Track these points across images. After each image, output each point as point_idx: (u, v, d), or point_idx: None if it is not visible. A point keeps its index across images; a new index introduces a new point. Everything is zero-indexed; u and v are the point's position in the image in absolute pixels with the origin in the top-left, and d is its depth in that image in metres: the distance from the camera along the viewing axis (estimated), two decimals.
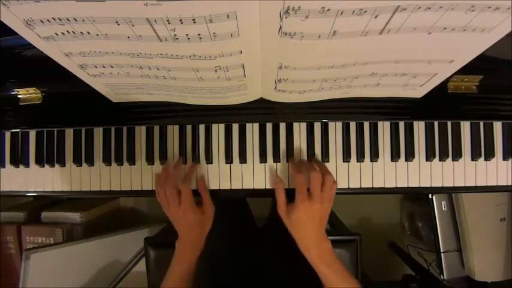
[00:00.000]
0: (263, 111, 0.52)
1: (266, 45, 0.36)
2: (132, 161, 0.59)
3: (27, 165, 0.61)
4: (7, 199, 0.95)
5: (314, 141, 0.57)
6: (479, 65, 0.40)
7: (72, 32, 0.33)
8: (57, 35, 0.34)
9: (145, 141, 0.59)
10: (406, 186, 0.57)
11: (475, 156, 0.56)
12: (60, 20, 0.31)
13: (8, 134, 0.62)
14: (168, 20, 0.30)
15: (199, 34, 0.32)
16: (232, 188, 0.58)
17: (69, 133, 0.60)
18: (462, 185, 0.57)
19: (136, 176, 0.59)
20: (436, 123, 0.57)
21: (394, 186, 0.57)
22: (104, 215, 1.14)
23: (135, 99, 0.52)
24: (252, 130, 0.58)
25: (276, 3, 0.28)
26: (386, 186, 0.57)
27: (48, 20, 0.31)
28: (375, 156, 0.57)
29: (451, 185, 0.57)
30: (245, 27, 0.32)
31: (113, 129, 0.60)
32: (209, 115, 0.53)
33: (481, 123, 0.57)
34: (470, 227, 0.88)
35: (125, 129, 0.59)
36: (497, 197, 0.88)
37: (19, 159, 0.61)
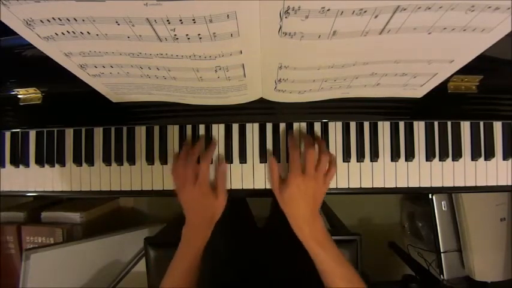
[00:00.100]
0: (263, 111, 0.52)
1: (266, 45, 0.36)
2: (132, 161, 0.59)
3: (27, 165, 0.61)
4: (7, 199, 0.95)
5: (314, 141, 0.57)
6: (479, 65, 0.40)
7: (72, 32, 0.33)
8: (57, 35, 0.34)
9: (145, 141, 0.59)
10: (406, 186, 0.57)
11: (475, 156, 0.56)
12: (60, 20, 0.31)
13: (8, 134, 0.62)
14: (168, 20, 0.30)
15: (199, 34, 0.32)
16: (232, 188, 0.58)
17: (69, 133, 0.60)
18: (462, 185, 0.57)
19: (136, 176, 0.59)
20: (436, 123, 0.57)
21: (394, 186, 0.57)
22: (104, 215, 1.14)
23: (135, 99, 0.52)
24: (252, 130, 0.58)
25: (276, 3, 0.28)
26: (386, 186, 0.57)
27: (48, 20, 0.31)
28: (375, 156, 0.56)
29: (451, 185, 0.57)
30: (245, 27, 0.32)
31: (113, 129, 0.60)
32: (209, 115, 0.53)
33: (481, 123, 0.57)
34: (470, 227, 0.88)
35: (124, 129, 0.59)
36: (497, 197, 0.88)
37: (19, 159, 0.61)
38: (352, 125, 0.57)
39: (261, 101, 0.51)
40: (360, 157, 0.57)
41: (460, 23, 0.31)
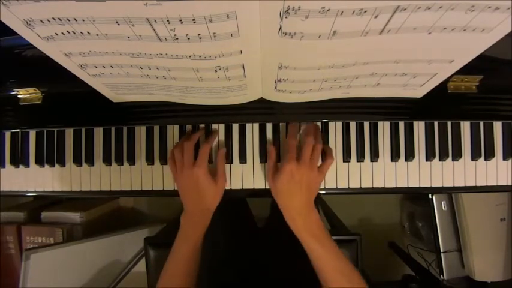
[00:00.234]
0: (263, 111, 0.52)
1: (266, 45, 0.36)
2: (132, 161, 0.59)
3: (27, 165, 0.61)
4: (7, 199, 0.95)
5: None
6: (479, 65, 0.40)
7: (72, 32, 0.33)
8: (57, 35, 0.34)
9: (145, 141, 0.59)
10: (406, 186, 0.57)
11: (475, 156, 0.56)
12: (60, 20, 0.31)
13: (8, 134, 0.62)
14: (168, 20, 0.30)
15: (199, 34, 0.32)
16: (232, 188, 0.57)
17: (69, 133, 0.60)
18: (462, 185, 0.57)
19: (136, 176, 0.59)
20: (436, 123, 0.57)
21: (394, 186, 0.57)
22: (104, 215, 1.14)
23: (135, 99, 0.52)
24: (252, 130, 0.58)
25: (276, 3, 0.28)
26: (386, 186, 0.57)
27: (48, 20, 0.31)
28: (375, 156, 0.57)
29: (451, 185, 0.57)
30: (245, 27, 0.32)
31: (113, 129, 0.60)
32: (209, 115, 0.53)
33: (481, 123, 0.57)
34: (470, 227, 0.88)
35: (124, 129, 0.59)
36: (497, 197, 0.88)
37: (19, 159, 0.61)
38: (352, 125, 0.57)
39: (261, 101, 0.51)
40: (360, 157, 0.57)
41: (460, 23, 0.31)
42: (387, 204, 1.34)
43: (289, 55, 0.37)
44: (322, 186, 0.56)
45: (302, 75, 0.42)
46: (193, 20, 0.30)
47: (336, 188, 0.57)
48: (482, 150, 0.56)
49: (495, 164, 0.57)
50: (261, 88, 0.47)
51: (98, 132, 0.60)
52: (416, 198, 1.21)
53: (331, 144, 0.57)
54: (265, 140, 0.58)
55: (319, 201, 1.00)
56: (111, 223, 1.14)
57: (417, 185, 0.57)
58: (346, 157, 0.57)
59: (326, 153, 0.54)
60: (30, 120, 0.57)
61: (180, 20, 0.30)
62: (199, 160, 0.51)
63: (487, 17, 0.30)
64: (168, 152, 0.58)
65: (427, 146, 0.57)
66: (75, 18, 0.31)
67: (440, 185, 0.57)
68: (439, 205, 0.94)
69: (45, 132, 0.61)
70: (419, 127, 0.57)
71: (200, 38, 0.33)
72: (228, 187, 0.57)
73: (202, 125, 0.58)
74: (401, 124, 0.57)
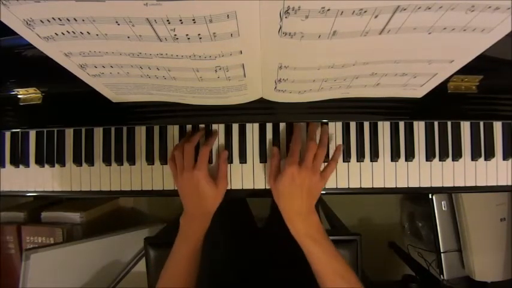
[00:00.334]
0: (263, 111, 0.52)
1: (266, 45, 0.36)
2: (132, 161, 0.59)
3: (27, 165, 0.61)
4: (7, 199, 0.95)
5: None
6: (479, 65, 0.40)
7: (72, 32, 0.33)
8: (57, 35, 0.34)
9: (145, 141, 0.59)
10: (406, 186, 0.57)
11: (475, 156, 0.56)
12: (60, 20, 0.31)
13: (8, 134, 0.62)
14: (168, 20, 0.30)
15: (199, 34, 0.32)
16: (232, 188, 0.57)
17: (69, 133, 0.60)
18: (462, 185, 0.57)
19: (136, 176, 0.59)
20: (436, 123, 0.57)
21: (394, 186, 0.57)
22: (104, 215, 1.14)
23: (135, 99, 0.52)
24: (252, 130, 0.58)
25: (276, 3, 0.28)
26: (386, 186, 0.57)
27: (48, 20, 0.31)
28: (375, 156, 0.57)
29: (451, 185, 0.57)
30: (245, 27, 0.32)
31: (113, 129, 0.60)
32: (209, 115, 0.53)
33: (481, 123, 0.57)
34: (470, 227, 0.88)
35: (124, 129, 0.59)
36: (497, 197, 0.88)
37: (19, 159, 0.61)
38: (352, 125, 0.57)
39: (261, 101, 0.51)
40: (360, 157, 0.57)
41: (460, 23, 0.31)
42: (387, 204, 1.34)
43: (289, 55, 0.37)
44: None
45: (302, 75, 0.42)
46: (193, 20, 0.30)
47: (336, 188, 0.57)
48: (482, 150, 0.56)
49: (495, 164, 0.57)
50: (261, 88, 0.47)
51: (98, 132, 0.60)
52: (416, 198, 1.21)
53: (332, 144, 0.57)
54: (265, 140, 0.58)
55: (320, 202, 1.00)
56: (111, 223, 1.14)
57: (417, 185, 0.57)
58: (346, 157, 0.57)
59: (332, 157, 0.54)
60: (30, 120, 0.57)
61: (180, 20, 0.30)
62: (199, 163, 0.51)
63: (487, 17, 0.30)
64: (169, 153, 0.58)
65: (427, 146, 0.57)
66: (75, 18, 0.31)
67: (440, 185, 0.57)
68: (439, 205, 0.94)
69: (45, 132, 0.61)
70: (419, 127, 0.57)
71: (200, 38, 0.33)
72: (228, 187, 0.57)
73: (202, 126, 0.58)
74: (401, 124, 0.57)
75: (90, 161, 0.59)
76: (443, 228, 0.95)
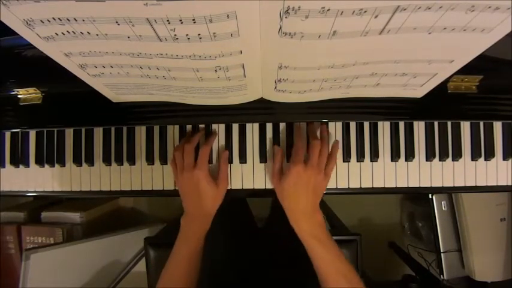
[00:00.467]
0: (263, 111, 0.52)
1: (266, 45, 0.36)
2: (132, 161, 0.59)
3: (27, 165, 0.61)
4: (7, 199, 0.95)
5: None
6: (479, 65, 0.40)
7: (72, 32, 0.33)
8: (57, 35, 0.34)
9: (145, 141, 0.59)
10: (406, 186, 0.57)
11: (475, 156, 0.56)
12: (60, 20, 0.31)
13: (8, 134, 0.62)
14: (168, 20, 0.30)
15: (199, 34, 0.32)
16: (232, 188, 0.57)
17: (69, 133, 0.60)
18: (462, 185, 0.57)
19: (136, 176, 0.59)
20: (436, 123, 0.57)
21: (394, 186, 0.57)
22: (104, 215, 1.14)
23: (135, 99, 0.52)
24: (252, 130, 0.58)
25: (276, 3, 0.28)
26: (386, 186, 0.57)
27: (48, 20, 0.31)
28: (375, 156, 0.57)
29: (451, 185, 0.57)
30: (245, 27, 0.32)
31: (113, 129, 0.60)
32: (209, 115, 0.53)
33: (481, 123, 0.57)
34: (470, 227, 0.88)
35: (124, 129, 0.59)
36: (497, 197, 0.88)
37: (19, 159, 0.61)
38: (352, 125, 0.57)
39: (261, 101, 0.51)
40: (360, 157, 0.57)
41: (460, 23, 0.31)
42: (387, 204, 1.34)
43: (289, 55, 0.37)
44: None
45: (302, 75, 0.42)
46: (193, 20, 0.30)
47: (336, 188, 0.57)
48: (482, 150, 0.56)
49: (495, 164, 0.57)
50: (261, 88, 0.47)
51: (98, 132, 0.60)
52: (416, 198, 1.21)
53: (331, 144, 0.57)
54: (265, 140, 0.58)
55: (320, 201, 1.00)
56: (111, 223, 1.14)
57: (417, 185, 0.57)
58: (346, 157, 0.57)
59: (330, 154, 0.54)
60: (30, 120, 0.57)
61: (180, 20, 0.30)
62: (200, 162, 0.51)
63: (487, 17, 0.30)
64: (169, 153, 0.58)
65: (427, 146, 0.57)
66: (75, 18, 0.31)
67: (440, 185, 0.57)
68: (439, 205, 0.94)
69: (45, 132, 0.61)
70: (419, 127, 0.57)
71: (200, 38, 0.33)
72: (228, 187, 0.57)
73: (202, 126, 0.58)
74: (401, 124, 0.57)
75: (90, 161, 0.59)
76: (443, 228, 0.95)
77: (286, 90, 0.46)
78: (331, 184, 0.56)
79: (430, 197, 0.95)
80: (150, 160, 0.58)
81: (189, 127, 0.59)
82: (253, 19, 0.31)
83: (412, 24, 0.31)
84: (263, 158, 0.57)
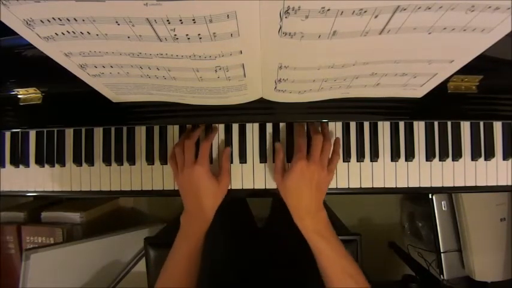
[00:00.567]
0: (263, 111, 0.52)
1: (266, 45, 0.36)
2: (132, 161, 0.59)
3: (27, 165, 0.61)
4: (7, 199, 0.95)
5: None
6: (479, 65, 0.40)
7: (72, 32, 0.33)
8: (57, 35, 0.34)
9: (145, 141, 0.59)
10: (406, 186, 0.57)
11: (475, 156, 0.56)
12: (60, 20, 0.31)
13: (8, 134, 0.62)
14: (168, 20, 0.30)
15: (199, 34, 0.32)
16: (232, 188, 0.57)
17: (69, 133, 0.60)
18: (462, 185, 0.57)
19: (136, 176, 0.59)
20: (436, 123, 0.57)
21: (394, 186, 0.57)
22: (104, 215, 1.14)
23: (135, 99, 0.52)
24: (252, 130, 0.58)
25: (276, 3, 0.28)
26: (386, 186, 0.57)
27: (48, 20, 0.31)
28: (375, 156, 0.57)
29: (451, 185, 0.57)
30: (245, 27, 0.32)
31: (113, 129, 0.60)
32: (209, 115, 0.53)
33: (481, 123, 0.57)
34: (470, 227, 0.88)
35: (124, 129, 0.59)
36: (497, 197, 0.88)
37: (19, 159, 0.61)
38: (352, 125, 0.57)
39: (261, 101, 0.51)
40: (360, 157, 0.57)
41: (460, 23, 0.31)
42: (387, 204, 1.34)
43: (289, 55, 0.37)
44: None
45: (302, 75, 0.42)
46: (193, 20, 0.30)
47: (336, 188, 0.57)
48: (482, 150, 0.56)
49: (495, 164, 0.57)
50: (261, 88, 0.47)
51: (98, 132, 0.60)
52: (416, 198, 1.21)
53: (332, 141, 0.57)
54: (265, 140, 0.58)
55: None
56: (111, 223, 1.14)
57: (417, 185, 0.57)
58: (346, 157, 0.57)
59: (333, 150, 0.54)
60: (30, 120, 0.57)
61: (180, 20, 0.30)
62: (201, 158, 0.50)
63: (487, 17, 0.30)
64: (169, 153, 0.58)
65: (427, 146, 0.57)
66: (75, 18, 0.31)
67: (440, 185, 0.57)
68: (439, 205, 0.94)
69: (45, 132, 0.61)
70: (419, 127, 0.57)
71: (200, 38, 0.33)
72: (227, 190, 0.57)
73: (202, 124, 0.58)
74: (401, 124, 0.57)
75: (90, 161, 0.59)
76: (443, 228, 0.95)
77: (286, 90, 0.46)
78: (331, 184, 0.56)
79: (430, 197, 0.95)
80: (150, 160, 0.58)
81: (188, 125, 0.59)
82: (253, 19, 0.31)
83: (412, 24, 0.31)
84: (263, 158, 0.57)
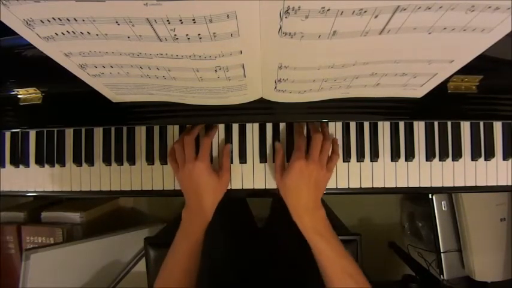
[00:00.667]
0: (263, 111, 0.52)
1: (266, 45, 0.36)
2: (132, 161, 0.59)
3: (27, 165, 0.61)
4: (7, 199, 0.95)
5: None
6: (479, 65, 0.40)
7: (72, 32, 0.33)
8: (57, 35, 0.34)
9: (145, 141, 0.59)
10: (406, 186, 0.57)
11: (475, 156, 0.56)
12: (60, 20, 0.31)
13: (8, 134, 0.62)
14: (168, 20, 0.30)
15: (199, 34, 0.32)
16: (232, 188, 0.57)
17: (69, 133, 0.60)
18: (462, 185, 0.57)
19: (136, 176, 0.59)
20: (436, 123, 0.57)
21: (394, 186, 0.57)
22: (104, 215, 1.14)
23: (135, 99, 0.52)
24: (252, 130, 0.58)
25: (276, 3, 0.28)
26: (386, 186, 0.57)
27: (48, 20, 0.31)
28: (375, 156, 0.57)
29: (451, 185, 0.57)
30: (245, 27, 0.32)
31: (113, 129, 0.60)
32: (209, 115, 0.53)
33: (481, 123, 0.57)
34: (470, 227, 0.88)
35: (124, 129, 0.59)
36: (497, 197, 0.88)
37: (19, 159, 0.61)
38: (352, 125, 0.57)
39: (261, 101, 0.51)
40: (360, 157, 0.57)
41: (460, 23, 0.31)
42: (387, 204, 1.34)
43: (289, 55, 0.37)
44: None
45: (302, 75, 0.42)
46: (193, 20, 0.30)
47: (336, 188, 0.57)
48: (482, 150, 0.56)
49: (495, 164, 0.57)
50: (261, 88, 0.47)
51: (98, 132, 0.60)
52: (416, 198, 1.21)
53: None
54: (265, 140, 0.58)
55: None
56: (111, 223, 1.14)
57: (417, 185, 0.57)
58: (346, 157, 0.57)
59: (332, 150, 0.54)
60: (30, 120, 0.57)
61: (180, 20, 0.30)
62: (201, 154, 0.50)
63: (487, 17, 0.30)
64: (168, 149, 0.58)
65: (427, 146, 0.57)
66: (75, 18, 0.31)
67: (440, 185, 0.57)
68: (439, 205, 0.94)
69: (45, 132, 0.61)
70: (419, 127, 0.57)
71: (200, 38, 0.33)
72: (228, 187, 0.57)
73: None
74: (401, 124, 0.57)
75: (90, 161, 0.59)
76: (443, 228, 0.95)
77: (286, 90, 0.46)
78: (331, 184, 0.56)
79: (430, 197, 0.95)
80: (150, 160, 0.58)
81: (188, 126, 0.59)
82: (253, 19, 0.31)
83: (412, 24, 0.31)
84: (263, 158, 0.57)
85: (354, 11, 0.29)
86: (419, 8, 0.29)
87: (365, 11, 0.29)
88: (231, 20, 0.31)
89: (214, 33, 0.32)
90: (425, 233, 1.13)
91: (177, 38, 0.33)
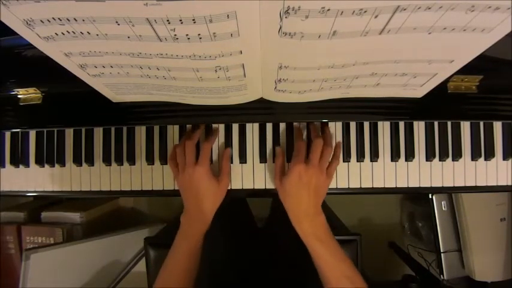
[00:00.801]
0: (263, 111, 0.52)
1: (266, 45, 0.36)
2: (132, 161, 0.59)
3: (27, 165, 0.61)
4: (7, 199, 0.95)
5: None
6: (479, 65, 0.40)
7: (72, 32, 0.33)
8: (57, 35, 0.34)
9: (145, 141, 0.59)
10: (406, 186, 0.57)
11: (475, 156, 0.56)
12: (60, 20, 0.31)
13: (8, 134, 0.62)
14: (168, 20, 0.30)
15: (199, 34, 0.32)
16: (232, 188, 0.57)
17: (69, 133, 0.60)
18: (462, 185, 0.57)
19: (136, 176, 0.59)
20: (436, 123, 0.57)
21: (394, 186, 0.57)
22: (104, 215, 1.14)
23: (135, 99, 0.52)
24: (252, 130, 0.58)
25: (276, 3, 0.28)
26: (386, 186, 0.57)
27: (48, 20, 0.31)
28: (375, 156, 0.57)
29: (451, 185, 0.57)
30: (245, 27, 0.32)
31: (113, 129, 0.60)
32: (209, 115, 0.53)
33: (481, 123, 0.57)
34: (470, 227, 0.88)
35: (124, 129, 0.59)
36: (497, 197, 0.88)
37: (19, 159, 0.61)
38: (352, 125, 0.57)
39: (261, 101, 0.51)
40: (360, 157, 0.57)
41: (460, 23, 0.31)
42: (387, 204, 1.34)
43: (289, 55, 0.37)
44: None
45: (302, 75, 0.42)
46: (193, 20, 0.30)
47: (336, 188, 0.57)
48: (482, 150, 0.56)
49: (495, 164, 0.57)
50: (261, 88, 0.47)
51: (98, 132, 0.60)
52: (416, 198, 1.21)
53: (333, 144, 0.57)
54: (265, 140, 0.58)
55: None
56: (111, 223, 1.14)
57: (417, 185, 0.57)
58: (346, 157, 0.57)
59: (333, 155, 0.54)
60: (30, 120, 0.57)
61: (180, 20, 0.30)
62: (202, 159, 0.51)
63: (487, 17, 0.30)
64: (169, 153, 0.58)
65: (427, 146, 0.57)
66: (75, 18, 0.31)
67: (440, 185, 0.57)
68: (439, 205, 0.94)
69: (45, 132, 0.61)
70: (419, 127, 0.57)
71: (200, 38, 0.33)
72: (229, 184, 0.57)
73: (202, 124, 0.58)
74: (401, 124, 0.57)
75: (90, 161, 0.59)
76: (443, 228, 0.95)
77: (286, 90, 0.46)
78: (331, 184, 0.56)
79: (430, 197, 0.95)
80: (150, 160, 0.58)
81: (189, 126, 0.59)
82: (253, 19, 0.31)
83: (412, 24, 0.31)
84: (263, 158, 0.57)
85: (354, 11, 0.29)
86: (419, 8, 0.29)
87: (365, 11, 0.29)
88: (231, 20, 0.31)
89: (214, 33, 0.32)
90: (425, 233, 1.13)
91: (177, 38, 0.33)
